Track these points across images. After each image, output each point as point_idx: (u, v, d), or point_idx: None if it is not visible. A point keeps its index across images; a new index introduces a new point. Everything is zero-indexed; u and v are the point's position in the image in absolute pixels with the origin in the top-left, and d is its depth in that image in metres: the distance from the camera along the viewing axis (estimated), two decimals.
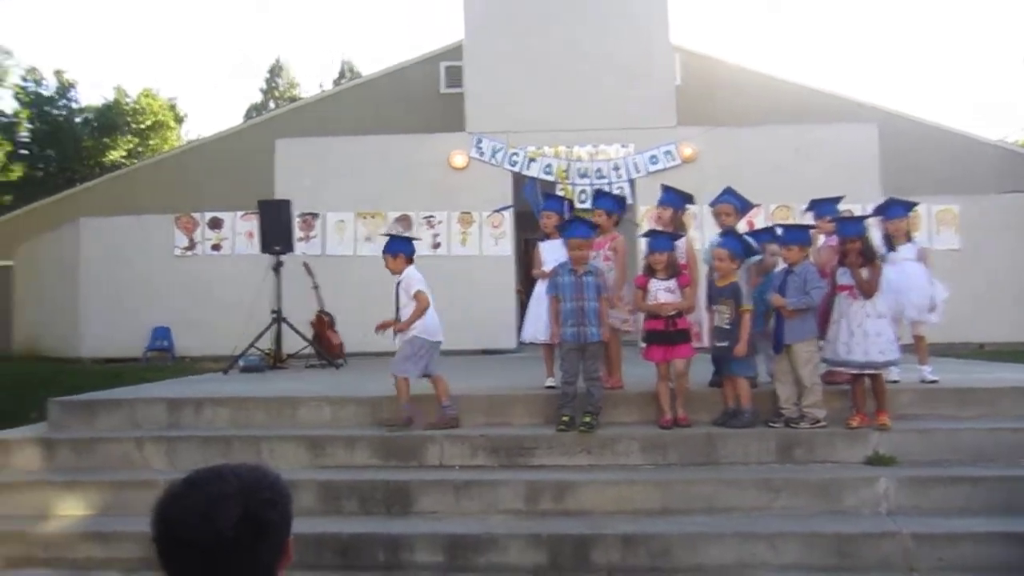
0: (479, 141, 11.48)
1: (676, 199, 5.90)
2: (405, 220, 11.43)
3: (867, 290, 4.92)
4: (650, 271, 5.27)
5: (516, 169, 11.43)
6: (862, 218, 5.46)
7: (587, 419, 5.06)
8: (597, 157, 11.39)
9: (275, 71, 38.36)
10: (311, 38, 62.95)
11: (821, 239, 5.88)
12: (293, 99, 32.06)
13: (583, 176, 11.32)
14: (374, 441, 5.21)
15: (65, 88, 27.21)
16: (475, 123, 11.65)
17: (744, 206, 5.82)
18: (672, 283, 5.20)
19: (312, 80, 62.27)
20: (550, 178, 11.38)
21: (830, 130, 11.54)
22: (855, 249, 4.98)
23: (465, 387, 6.12)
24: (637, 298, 5.41)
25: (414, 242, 6.01)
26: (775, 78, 15.69)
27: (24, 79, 25.68)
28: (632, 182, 11.26)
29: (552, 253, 5.79)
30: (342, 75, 36.47)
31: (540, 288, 6.02)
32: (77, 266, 12.13)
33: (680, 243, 5.50)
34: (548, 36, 11.61)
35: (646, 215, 10.54)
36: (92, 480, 4.95)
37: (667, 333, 5.17)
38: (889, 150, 11.81)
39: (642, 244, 9.50)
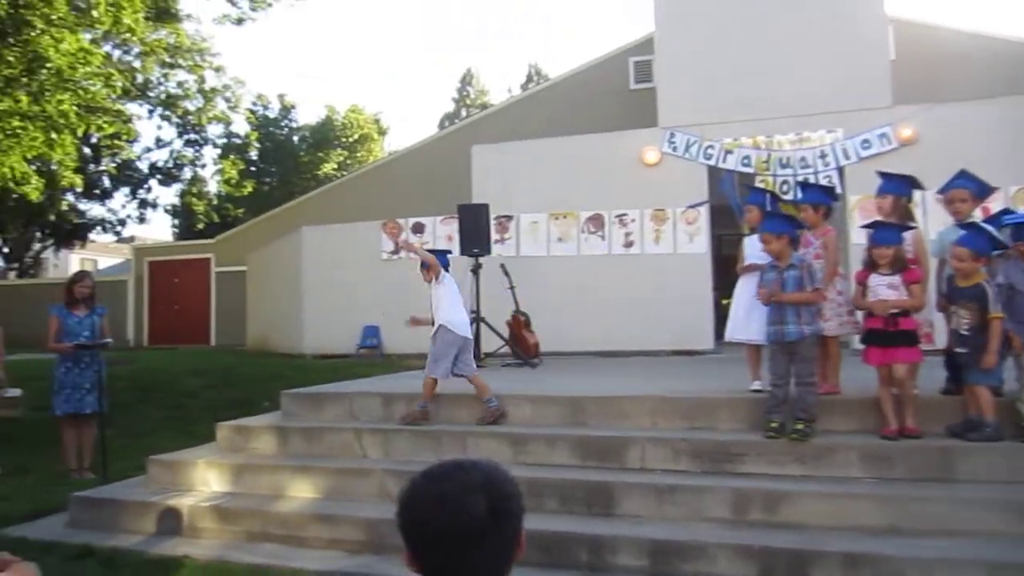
0: (672, 135, 11.20)
1: (899, 185, 5.34)
2: (597, 219, 11.41)
3: None
4: (872, 265, 4.83)
5: (711, 162, 11.01)
6: None
7: (799, 426, 4.74)
8: (801, 145, 10.68)
9: (466, 80, 40.01)
10: (499, 46, 64.94)
11: None
12: (484, 106, 33.23)
13: (785, 166, 10.66)
14: (573, 440, 5.22)
15: (287, 110, 30.09)
16: (667, 117, 11.37)
17: (982, 191, 5.17)
18: (896, 279, 4.73)
19: (501, 86, 64.28)
20: (748, 170, 10.85)
21: None
22: None
23: (663, 389, 5.99)
24: (856, 294, 5.00)
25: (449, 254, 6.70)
26: (1009, 41, 13.90)
27: (254, 104, 28.70)
28: (841, 170, 10.45)
29: (755, 248, 5.49)
30: (529, 79, 37.30)
31: (742, 285, 5.76)
32: (299, 270, 13.33)
33: (908, 235, 4.99)
34: (744, 19, 11.08)
35: (858, 205, 9.76)
36: (318, 466, 5.37)
37: (887, 333, 4.72)
38: None
39: (854, 236, 8.85)
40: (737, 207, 10.96)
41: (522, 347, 9.07)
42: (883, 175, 5.51)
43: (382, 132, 33.04)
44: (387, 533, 4.67)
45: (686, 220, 11.03)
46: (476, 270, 8.90)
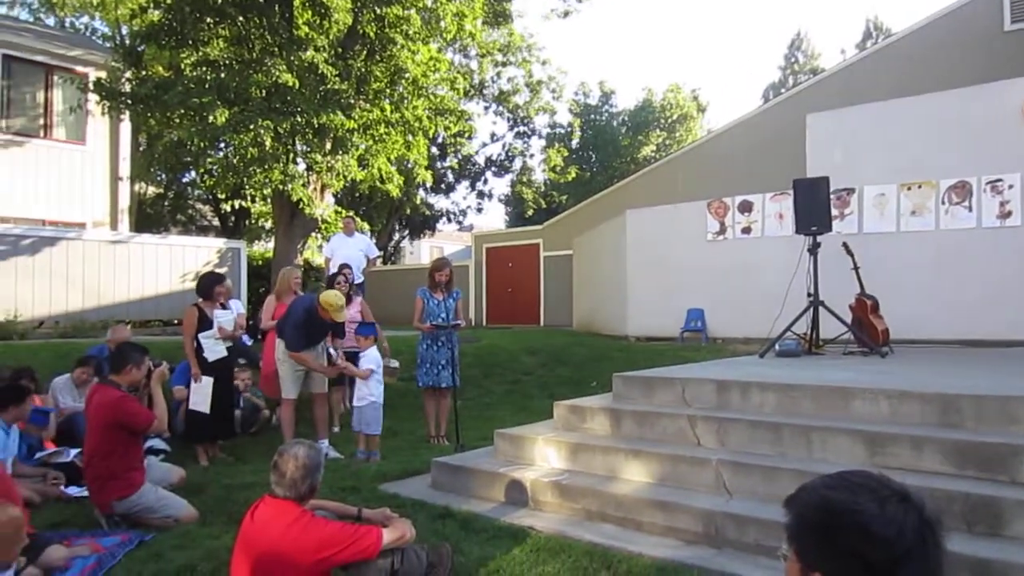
0: None
1: None
2: (961, 188, 9.82)
3: None
4: None
5: None
6: None
7: None
8: None
9: (794, 45, 37.37)
10: (828, 6, 59.65)
11: None
12: (814, 71, 30.74)
13: None
14: (946, 445, 4.49)
15: (607, 96, 30.78)
16: None
17: None
18: None
19: (832, 49, 59.07)
20: None
21: None
22: None
23: None
24: None
25: None
26: None
27: (575, 93, 29.84)
28: None
29: None
30: (867, 36, 33.70)
31: None
32: (624, 253, 13.50)
33: None
34: None
35: None
36: (652, 451, 5.30)
37: None
38: None
39: None
40: None
41: (869, 333, 8.15)
42: None
43: (701, 109, 32.26)
44: (725, 526, 4.46)
45: None
46: (814, 249, 8.18)
